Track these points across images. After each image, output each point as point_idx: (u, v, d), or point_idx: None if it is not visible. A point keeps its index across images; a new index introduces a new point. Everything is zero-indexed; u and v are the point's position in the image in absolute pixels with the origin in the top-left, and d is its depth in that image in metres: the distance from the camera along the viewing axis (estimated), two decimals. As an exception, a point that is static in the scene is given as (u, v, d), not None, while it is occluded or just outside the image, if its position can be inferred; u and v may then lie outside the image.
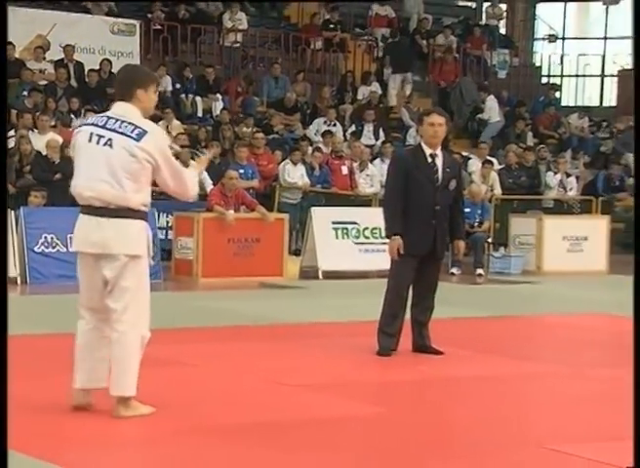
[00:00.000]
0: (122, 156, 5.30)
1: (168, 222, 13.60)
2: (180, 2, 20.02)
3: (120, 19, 18.68)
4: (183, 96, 18.19)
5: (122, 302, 5.38)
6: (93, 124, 5.49)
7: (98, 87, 17.30)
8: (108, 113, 5.51)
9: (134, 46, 18.53)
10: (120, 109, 5.46)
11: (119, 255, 5.35)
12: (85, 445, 5.10)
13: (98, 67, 17.55)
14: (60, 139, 14.06)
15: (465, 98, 20.31)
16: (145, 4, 19.97)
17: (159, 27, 19.40)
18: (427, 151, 7.60)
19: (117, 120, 5.38)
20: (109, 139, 5.32)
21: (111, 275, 5.37)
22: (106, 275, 5.38)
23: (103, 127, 5.37)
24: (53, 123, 15.01)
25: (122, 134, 5.32)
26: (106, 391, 5.46)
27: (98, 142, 5.34)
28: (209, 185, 14.27)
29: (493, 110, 19.57)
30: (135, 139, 5.31)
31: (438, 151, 7.67)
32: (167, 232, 13.57)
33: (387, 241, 7.70)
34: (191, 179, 5.64)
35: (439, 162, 7.60)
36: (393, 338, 7.65)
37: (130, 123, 5.36)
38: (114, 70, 17.69)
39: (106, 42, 18.20)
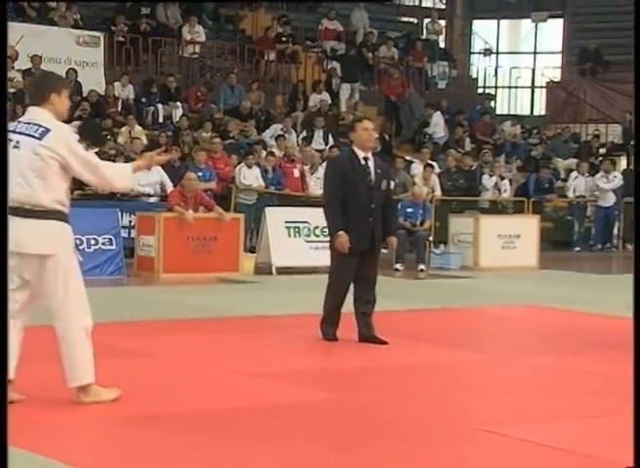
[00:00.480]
0: (27, 156, 5.20)
1: (131, 222, 13.52)
2: (142, 16, 19.91)
3: (85, 32, 18.58)
4: (145, 103, 18.09)
5: (56, 301, 5.29)
6: (10, 131, 5.30)
7: (64, 95, 17.11)
8: (21, 118, 5.44)
9: (98, 56, 18.42)
10: (31, 113, 5.39)
11: (31, 255, 5.23)
12: (47, 430, 5.06)
13: (64, 76, 17.34)
14: None
15: (414, 113, 20.38)
16: (109, 17, 19.86)
17: (122, 39, 19.29)
18: (361, 155, 7.73)
19: (25, 123, 5.32)
20: (17, 142, 5.23)
21: (29, 276, 5.27)
22: (25, 276, 5.28)
23: (14, 131, 5.28)
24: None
25: (27, 135, 5.24)
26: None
27: (11, 147, 5.19)
28: (169, 187, 14.23)
29: (439, 126, 19.61)
30: (37, 138, 5.22)
31: (369, 155, 7.79)
32: (130, 231, 13.49)
33: (333, 238, 7.68)
34: (113, 171, 5.49)
35: (371, 164, 7.73)
36: (335, 327, 7.73)
37: (35, 124, 5.28)
38: (80, 79, 17.64)
39: (72, 53, 18.08)
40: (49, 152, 5.21)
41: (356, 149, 7.78)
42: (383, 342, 7.65)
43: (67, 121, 17.07)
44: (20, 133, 5.27)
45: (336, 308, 7.71)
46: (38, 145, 5.21)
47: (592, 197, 18.41)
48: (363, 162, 7.69)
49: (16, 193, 5.14)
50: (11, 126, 5.36)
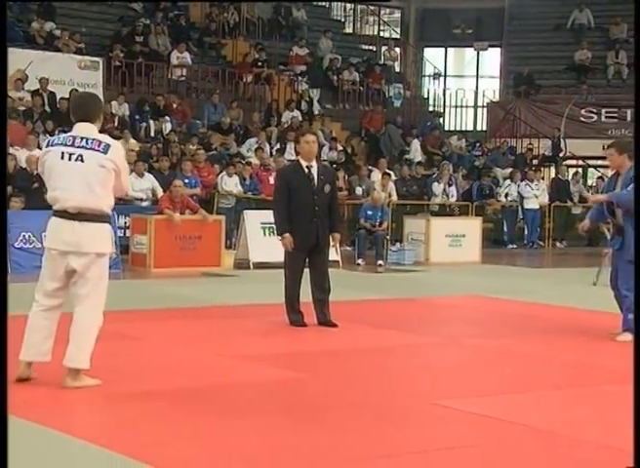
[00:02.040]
0: (93, 168, 5.20)
1: (126, 223, 13.44)
2: (136, 43, 19.80)
3: (86, 57, 18.44)
4: (138, 119, 17.98)
5: (86, 289, 5.26)
6: (62, 144, 5.31)
7: (68, 112, 16.93)
8: (73, 133, 5.35)
9: (97, 79, 18.28)
10: (83, 129, 5.32)
11: (89, 253, 5.24)
12: (52, 404, 4.99)
13: (67, 96, 17.25)
14: (28, 154, 14.01)
15: (394, 142, 20.31)
16: (107, 44, 19.74)
17: (118, 64, 19.16)
18: (304, 164, 7.79)
19: (83, 138, 5.26)
20: (80, 155, 5.21)
21: (80, 268, 5.24)
22: (75, 267, 5.24)
23: (72, 145, 5.24)
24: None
25: (91, 149, 5.22)
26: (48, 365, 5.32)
27: (70, 159, 5.21)
28: (160, 192, 14.16)
29: (417, 152, 19.50)
30: (102, 153, 5.22)
31: (313, 163, 7.83)
32: (125, 231, 13.42)
33: (279, 238, 7.80)
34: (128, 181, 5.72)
35: (314, 171, 7.77)
36: (299, 314, 7.73)
37: (94, 139, 5.27)
38: (82, 98, 17.46)
39: (75, 75, 17.93)
40: (112, 165, 5.25)
41: (301, 159, 7.86)
42: (334, 325, 7.69)
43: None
44: (80, 147, 5.25)
45: (293, 297, 7.75)
46: (104, 159, 5.23)
47: (513, 202, 18.50)
48: (306, 170, 7.75)
49: (78, 200, 5.19)
50: (61, 140, 5.31)
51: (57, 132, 15.50)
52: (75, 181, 5.19)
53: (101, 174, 5.23)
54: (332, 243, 7.98)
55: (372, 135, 20.36)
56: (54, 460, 4.05)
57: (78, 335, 5.24)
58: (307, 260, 7.80)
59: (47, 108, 17.00)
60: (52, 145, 5.43)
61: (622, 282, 7.23)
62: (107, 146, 5.26)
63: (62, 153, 5.25)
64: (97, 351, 5.33)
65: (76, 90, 17.37)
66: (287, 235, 7.62)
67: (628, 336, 7.16)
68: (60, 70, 17.68)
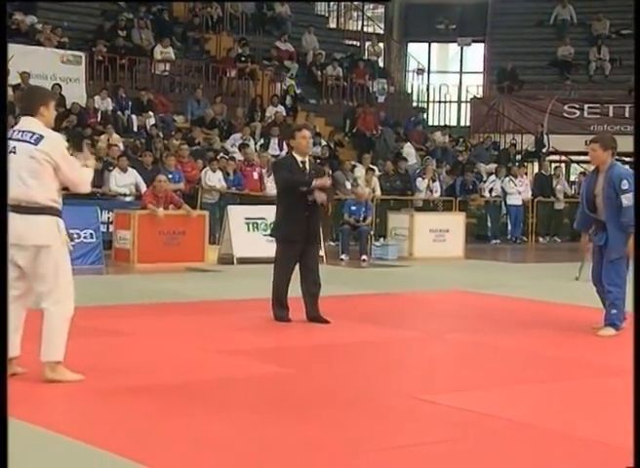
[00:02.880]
0: (23, 159, 5.18)
1: (109, 218, 13.40)
2: (118, 37, 19.73)
3: (69, 51, 18.35)
4: (121, 114, 17.91)
5: (46, 286, 5.26)
6: (8, 138, 5.29)
7: (50, 106, 16.96)
8: (15, 127, 5.39)
9: (80, 73, 18.21)
10: (24, 123, 5.36)
11: (29, 246, 5.22)
12: (20, 405, 4.98)
13: (50, 90, 17.17)
14: None
15: (389, 146, 20.28)
16: (90, 39, 19.64)
17: (101, 58, 19.08)
18: (299, 159, 7.79)
19: (20, 131, 5.30)
20: (14, 148, 5.21)
21: (23, 263, 5.24)
22: (18, 262, 5.24)
23: (10, 138, 5.26)
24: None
25: (23, 141, 5.23)
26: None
27: (9, 152, 5.17)
28: (143, 188, 14.12)
29: (411, 155, 19.45)
30: (33, 144, 5.21)
31: (306, 158, 7.86)
32: (108, 226, 13.37)
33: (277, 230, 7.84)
34: (86, 175, 5.47)
35: (308, 167, 7.80)
36: (285, 309, 7.72)
37: (29, 131, 5.27)
38: (64, 93, 17.39)
39: (57, 70, 17.84)
40: (44, 155, 5.19)
41: (295, 154, 7.85)
42: (326, 321, 7.68)
43: (55, 130, 16.87)
44: (16, 139, 5.25)
45: (282, 292, 7.73)
46: (34, 150, 5.19)
47: (497, 197, 18.59)
48: (301, 165, 7.76)
49: (14, 192, 5.12)
50: (9, 134, 5.31)
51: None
52: (11, 174, 5.10)
53: (31, 165, 5.19)
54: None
55: (364, 135, 20.19)
56: (37, 457, 4.05)
57: (48, 331, 5.27)
58: (299, 256, 7.74)
59: (6, 104, 16.89)
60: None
61: (607, 277, 7.27)
62: (40, 138, 5.22)
63: (7, 147, 5.23)
64: (80, 347, 5.34)
65: (58, 84, 17.32)
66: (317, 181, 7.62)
67: (610, 331, 7.22)
68: (42, 65, 17.59)
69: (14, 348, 5.25)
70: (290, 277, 7.74)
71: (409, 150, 19.44)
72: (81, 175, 5.39)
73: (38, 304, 5.34)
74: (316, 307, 7.75)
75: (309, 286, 7.74)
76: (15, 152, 5.20)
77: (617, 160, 7.57)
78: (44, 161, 5.20)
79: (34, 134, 5.24)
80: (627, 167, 8.33)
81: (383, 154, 19.61)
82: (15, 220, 5.10)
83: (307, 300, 7.75)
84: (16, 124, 5.54)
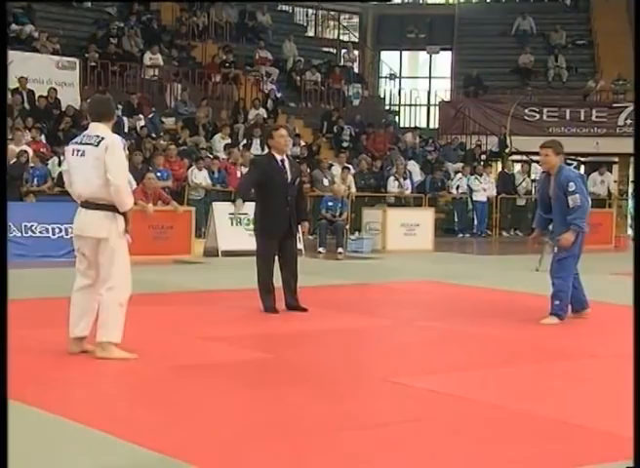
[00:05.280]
0: (90, 162, 5.37)
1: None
2: (110, 44, 19.60)
3: (64, 58, 18.18)
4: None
5: (103, 274, 5.47)
6: (75, 142, 5.58)
7: (45, 109, 16.94)
8: (85, 132, 5.56)
9: (74, 78, 18.05)
10: (92, 128, 5.53)
11: (89, 237, 5.46)
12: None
13: (46, 94, 17.11)
14: (17, 149, 13.81)
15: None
16: (83, 46, 19.49)
17: (94, 64, 18.92)
18: (278, 157, 7.74)
19: (88, 136, 5.48)
20: (83, 151, 5.42)
21: (87, 253, 5.49)
22: (83, 251, 5.52)
23: (80, 143, 5.48)
24: (10, 136, 14.50)
25: (89, 144, 5.42)
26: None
27: (76, 155, 5.45)
28: (133, 185, 13.99)
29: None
30: (95, 146, 5.38)
31: (285, 157, 7.81)
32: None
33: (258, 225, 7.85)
34: (127, 191, 5.53)
35: (287, 165, 7.76)
36: (272, 296, 7.67)
37: (95, 135, 5.44)
38: (59, 97, 17.27)
39: (52, 75, 17.68)
40: (101, 155, 5.35)
41: (274, 153, 7.77)
42: (304, 309, 7.66)
43: (52, 132, 16.67)
44: (84, 143, 5.46)
45: (267, 281, 7.68)
46: (96, 151, 5.37)
47: (464, 194, 18.62)
48: (280, 163, 7.71)
49: (83, 191, 5.43)
50: (76, 139, 5.60)
51: (34, 129, 15.43)
52: (79, 174, 5.41)
53: (96, 166, 5.35)
54: (301, 230, 7.97)
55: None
56: (24, 434, 3.99)
57: (102, 315, 5.45)
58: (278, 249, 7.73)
59: (26, 106, 16.80)
60: (70, 144, 5.67)
61: (553, 270, 7.26)
62: (101, 140, 5.37)
63: (73, 150, 5.51)
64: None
65: (54, 89, 17.22)
66: (240, 201, 7.83)
67: (554, 320, 7.20)
68: (39, 70, 17.43)
69: (80, 329, 5.49)
70: (272, 267, 7.70)
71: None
72: (122, 178, 5.44)
73: (100, 288, 5.51)
74: (295, 296, 7.71)
75: (288, 277, 7.71)
76: (83, 155, 5.40)
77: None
78: (103, 158, 5.34)
79: (98, 136, 5.40)
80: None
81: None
82: (79, 214, 5.47)
83: (286, 290, 7.73)
84: (84, 129, 5.70)
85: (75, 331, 5.53)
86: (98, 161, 5.33)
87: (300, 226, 8.01)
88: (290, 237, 7.74)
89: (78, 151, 5.44)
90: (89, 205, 5.44)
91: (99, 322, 5.45)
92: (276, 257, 7.73)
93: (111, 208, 5.44)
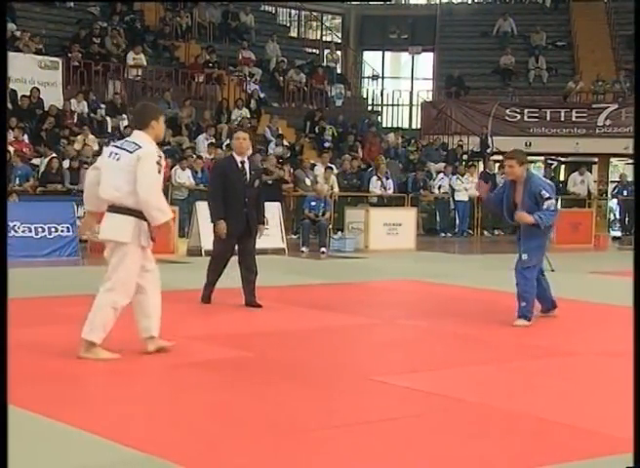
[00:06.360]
0: (123, 166, 5.38)
1: (85, 213, 13.17)
2: (93, 44, 19.51)
3: (46, 57, 18.08)
4: (96, 116, 17.71)
5: (108, 273, 5.50)
6: (115, 145, 5.64)
7: (28, 109, 16.83)
8: (127, 138, 5.62)
9: (57, 78, 17.95)
10: (133, 135, 5.57)
11: (107, 240, 5.49)
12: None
13: (29, 94, 17.00)
14: None
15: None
16: (66, 45, 19.37)
17: (77, 64, 18.81)
18: (238, 159, 7.85)
19: (128, 142, 5.52)
20: (119, 156, 5.43)
21: (106, 254, 5.55)
22: (105, 254, 5.56)
23: (119, 147, 5.52)
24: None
25: (125, 150, 5.43)
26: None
27: (112, 157, 5.46)
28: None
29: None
30: (130, 152, 5.40)
31: (245, 159, 7.89)
32: (84, 221, 13.19)
33: (214, 225, 7.82)
34: (157, 200, 5.43)
35: (247, 166, 7.85)
36: (210, 291, 7.95)
37: (133, 142, 5.47)
38: (42, 96, 17.17)
39: (35, 74, 17.56)
40: (134, 162, 5.36)
41: (235, 155, 7.88)
42: (259, 306, 7.78)
43: (35, 132, 16.57)
44: (122, 148, 5.48)
45: (215, 279, 7.92)
46: (129, 158, 5.38)
47: (445, 194, 18.66)
48: (240, 165, 7.80)
49: (111, 196, 5.43)
50: (117, 143, 5.70)
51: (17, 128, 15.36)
52: (110, 177, 5.42)
53: (129, 172, 5.35)
54: (258, 233, 8.01)
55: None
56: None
57: (93, 312, 5.44)
58: (237, 247, 7.82)
59: (9, 105, 16.65)
60: (110, 146, 5.77)
61: (519, 275, 7.17)
62: (137, 147, 5.40)
63: (111, 153, 5.53)
64: (58, 333, 5.23)
65: (37, 88, 17.12)
66: (221, 221, 7.71)
67: (523, 322, 7.17)
68: (22, 70, 17.30)
69: (146, 331, 5.56)
70: (222, 268, 7.90)
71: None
72: (150, 191, 5.37)
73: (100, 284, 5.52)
74: (253, 293, 7.83)
75: (246, 274, 7.83)
76: (119, 159, 5.42)
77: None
78: (134, 166, 5.35)
79: (136, 144, 5.43)
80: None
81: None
82: (106, 218, 5.48)
83: (245, 287, 7.86)
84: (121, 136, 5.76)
85: (142, 334, 5.61)
86: (129, 168, 5.35)
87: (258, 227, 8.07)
88: (248, 236, 7.81)
89: (116, 155, 5.47)
90: (114, 209, 5.45)
91: (88, 319, 5.43)
92: (235, 256, 7.85)
93: (135, 213, 5.41)
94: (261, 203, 8.02)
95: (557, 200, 7.54)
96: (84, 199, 5.83)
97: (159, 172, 5.45)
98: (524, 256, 7.18)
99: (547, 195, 7.07)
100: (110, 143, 5.72)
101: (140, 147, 5.40)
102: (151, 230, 5.44)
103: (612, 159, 23.97)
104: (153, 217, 5.39)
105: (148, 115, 5.59)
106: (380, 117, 24.50)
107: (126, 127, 17.34)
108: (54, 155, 14.91)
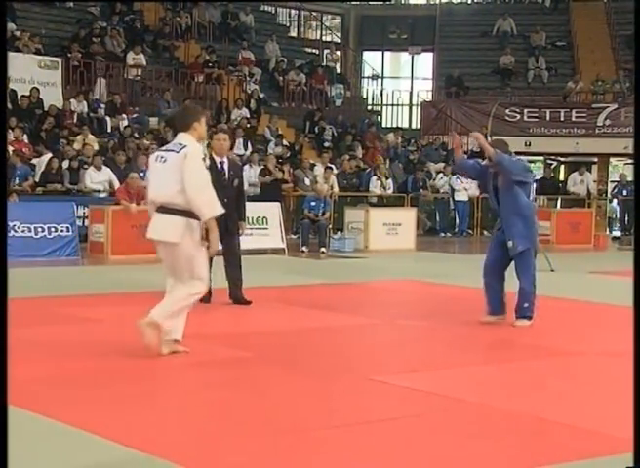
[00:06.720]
0: (170, 168, 5.45)
1: (84, 213, 13.23)
2: (93, 44, 19.50)
3: (46, 57, 18.09)
4: (96, 116, 17.71)
5: (181, 278, 5.58)
6: (159, 150, 5.77)
7: (28, 108, 16.83)
8: (172, 141, 5.71)
9: (57, 78, 17.95)
10: (178, 137, 5.62)
11: (161, 241, 5.54)
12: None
13: (28, 94, 17.00)
14: None
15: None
16: (66, 45, 19.37)
17: (77, 63, 18.82)
18: (217, 159, 7.90)
19: (173, 144, 5.60)
20: (165, 158, 5.53)
21: (163, 256, 5.59)
22: (161, 256, 5.63)
23: (165, 150, 5.63)
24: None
25: (172, 151, 5.53)
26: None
27: (159, 161, 5.57)
28: (116, 185, 13.98)
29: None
30: (176, 152, 5.48)
31: (225, 159, 7.94)
32: (84, 221, 13.20)
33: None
34: (205, 197, 5.49)
35: (226, 166, 7.90)
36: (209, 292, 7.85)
37: (179, 143, 5.54)
38: (42, 96, 17.17)
39: (35, 74, 17.57)
40: (182, 160, 5.42)
41: (214, 155, 7.95)
42: (248, 302, 7.83)
43: (34, 132, 16.55)
44: (168, 150, 5.59)
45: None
46: (176, 158, 5.45)
47: (445, 193, 18.67)
48: (219, 165, 7.83)
49: (161, 197, 5.50)
50: (164, 147, 5.79)
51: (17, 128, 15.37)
52: (158, 180, 5.52)
53: (177, 173, 5.42)
54: (240, 231, 8.02)
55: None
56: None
57: (167, 299, 5.62)
58: (221, 247, 7.83)
59: (9, 105, 16.65)
60: (156, 150, 5.94)
61: (520, 273, 7.07)
62: (182, 147, 5.47)
63: (157, 156, 5.65)
64: (58, 332, 5.22)
65: (37, 88, 17.12)
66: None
67: (525, 322, 7.14)
68: (22, 69, 17.30)
69: (175, 332, 5.60)
70: (210, 265, 7.83)
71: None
72: (198, 187, 5.44)
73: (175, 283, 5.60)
74: (239, 289, 7.85)
75: (230, 271, 7.88)
76: (165, 161, 5.51)
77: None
78: (182, 165, 5.40)
79: (181, 145, 5.51)
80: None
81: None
82: (156, 219, 5.53)
83: (231, 285, 7.90)
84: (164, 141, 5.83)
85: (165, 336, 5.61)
86: (176, 167, 5.42)
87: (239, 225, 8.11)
88: (230, 236, 7.83)
89: (162, 158, 5.56)
90: (164, 209, 5.50)
91: (161, 302, 5.56)
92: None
93: (186, 213, 5.46)
94: (242, 202, 8.09)
95: (534, 181, 7.56)
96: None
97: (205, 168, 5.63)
98: (509, 244, 7.07)
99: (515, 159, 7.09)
100: (156, 149, 5.80)
101: (185, 146, 5.48)
102: (202, 228, 5.57)
103: (611, 159, 23.97)
104: (203, 214, 5.49)
105: (190, 117, 5.66)
106: (379, 117, 24.51)
107: (126, 126, 17.37)
108: (50, 154, 14.92)
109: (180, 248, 5.47)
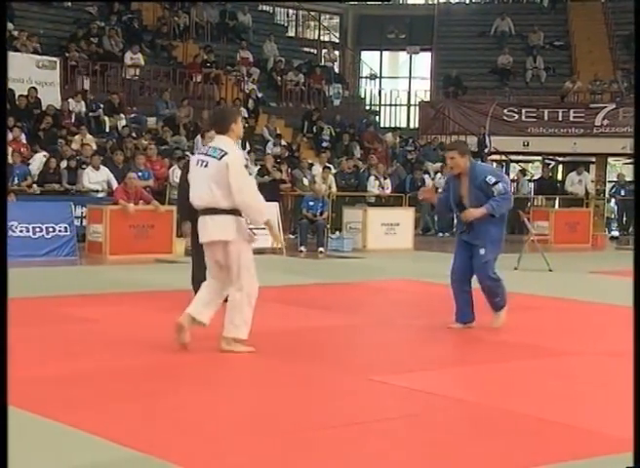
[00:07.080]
0: (211, 172, 5.58)
1: (82, 213, 13.22)
2: (91, 44, 19.49)
3: (44, 57, 18.06)
4: (94, 116, 17.69)
5: (231, 275, 5.70)
6: (200, 153, 5.85)
7: (26, 108, 16.81)
8: (210, 144, 5.80)
9: (55, 77, 17.93)
10: (216, 140, 5.74)
11: (215, 241, 5.66)
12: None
13: (26, 93, 16.98)
14: None
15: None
16: (64, 45, 19.36)
17: (75, 63, 18.80)
18: None
19: (213, 148, 5.69)
20: (206, 162, 5.63)
21: (220, 257, 5.70)
22: (218, 257, 5.72)
23: (205, 154, 5.71)
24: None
25: (212, 156, 5.62)
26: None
27: (200, 165, 5.68)
28: (114, 184, 13.97)
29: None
30: (218, 159, 5.58)
31: None
32: (82, 220, 13.19)
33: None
34: (254, 200, 5.62)
35: None
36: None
37: (218, 148, 5.64)
38: (40, 96, 17.16)
39: (33, 74, 17.54)
40: (224, 169, 5.53)
41: None
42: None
43: (33, 131, 16.50)
44: (208, 155, 5.67)
45: (201, 278, 7.78)
46: (218, 164, 5.57)
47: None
48: None
49: (205, 200, 5.63)
50: (202, 150, 5.89)
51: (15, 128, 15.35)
52: (201, 184, 5.65)
53: (218, 177, 5.55)
54: None
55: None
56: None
57: (230, 312, 5.74)
58: None
59: (7, 105, 16.64)
60: (196, 154, 5.98)
61: (482, 274, 6.89)
62: (224, 154, 5.58)
63: (198, 160, 5.75)
64: (56, 332, 5.22)
65: (35, 88, 17.10)
66: (186, 222, 7.69)
67: (501, 315, 6.96)
68: (20, 69, 17.25)
69: (200, 312, 5.77)
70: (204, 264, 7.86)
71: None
72: (249, 195, 5.58)
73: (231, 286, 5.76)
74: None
75: None
76: (206, 166, 5.62)
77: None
78: (224, 173, 5.53)
79: (221, 150, 5.61)
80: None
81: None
82: (205, 222, 5.66)
83: None
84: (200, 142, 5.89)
85: (194, 311, 5.76)
86: (219, 174, 5.54)
87: None
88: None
89: (203, 162, 5.65)
90: (210, 210, 5.61)
91: (227, 319, 5.70)
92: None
93: (234, 213, 5.60)
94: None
95: (511, 183, 7.16)
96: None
97: (249, 173, 5.78)
98: (481, 251, 6.83)
99: (494, 180, 6.70)
100: (196, 152, 5.83)
101: (225, 153, 5.58)
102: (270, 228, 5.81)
103: (609, 159, 23.99)
104: (255, 220, 5.69)
105: (228, 119, 5.76)
106: (377, 117, 24.50)
107: (124, 126, 17.34)
108: (44, 153, 14.90)
109: (233, 245, 5.62)
